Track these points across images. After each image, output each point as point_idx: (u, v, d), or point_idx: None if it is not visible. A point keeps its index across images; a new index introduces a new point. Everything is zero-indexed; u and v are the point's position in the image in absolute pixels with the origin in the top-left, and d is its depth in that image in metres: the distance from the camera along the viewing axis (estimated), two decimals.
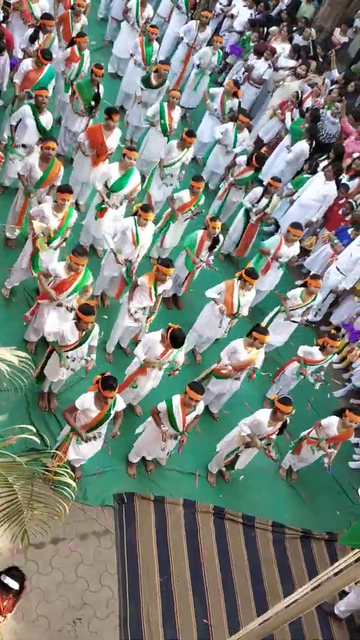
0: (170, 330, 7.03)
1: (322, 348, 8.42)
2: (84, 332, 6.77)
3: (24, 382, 4.73)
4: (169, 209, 9.18)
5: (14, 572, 4.90)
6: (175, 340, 7.02)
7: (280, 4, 14.91)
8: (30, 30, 9.86)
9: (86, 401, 6.35)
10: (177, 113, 10.15)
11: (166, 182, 9.82)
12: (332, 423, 7.76)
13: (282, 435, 7.55)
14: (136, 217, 7.92)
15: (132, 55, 11.33)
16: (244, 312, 8.28)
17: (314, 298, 8.84)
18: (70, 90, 9.87)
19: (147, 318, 7.92)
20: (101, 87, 9.64)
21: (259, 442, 7.25)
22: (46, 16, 9.89)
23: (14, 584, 4.82)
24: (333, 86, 12.78)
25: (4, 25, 10.00)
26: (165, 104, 9.97)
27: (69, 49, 10.00)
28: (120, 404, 6.53)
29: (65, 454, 6.47)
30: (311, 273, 9.74)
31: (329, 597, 5.57)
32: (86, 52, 10.07)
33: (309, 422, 8.29)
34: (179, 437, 7.02)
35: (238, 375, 7.87)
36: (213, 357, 8.42)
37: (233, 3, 14.44)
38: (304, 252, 10.92)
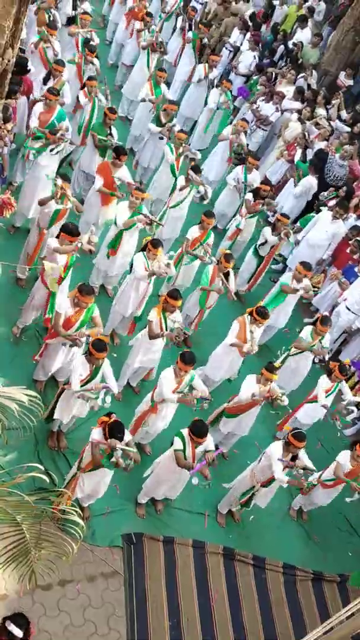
0: (179, 355, 7.12)
1: (329, 374, 8.41)
2: (94, 366, 6.82)
3: (33, 421, 4.75)
4: (179, 250, 9.32)
5: (18, 619, 4.84)
6: (183, 357, 7.09)
7: (282, 48, 15.24)
8: (43, 73, 10.17)
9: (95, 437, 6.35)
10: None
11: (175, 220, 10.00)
12: (345, 458, 7.72)
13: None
14: (145, 252, 8.06)
15: (143, 100, 11.50)
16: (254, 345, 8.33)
17: (323, 336, 8.86)
18: (82, 131, 10.27)
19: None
20: (114, 129, 9.86)
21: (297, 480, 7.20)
22: (57, 62, 10.17)
23: (17, 632, 4.74)
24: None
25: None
26: (173, 145, 10.16)
27: (80, 91, 10.30)
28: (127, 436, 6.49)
29: (72, 492, 6.44)
30: (321, 313, 9.78)
31: None
32: (98, 96, 10.29)
33: (319, 460, 8.19)
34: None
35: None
36: (223, 396, 8.40)
37: (239, 52, 14.77)
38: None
